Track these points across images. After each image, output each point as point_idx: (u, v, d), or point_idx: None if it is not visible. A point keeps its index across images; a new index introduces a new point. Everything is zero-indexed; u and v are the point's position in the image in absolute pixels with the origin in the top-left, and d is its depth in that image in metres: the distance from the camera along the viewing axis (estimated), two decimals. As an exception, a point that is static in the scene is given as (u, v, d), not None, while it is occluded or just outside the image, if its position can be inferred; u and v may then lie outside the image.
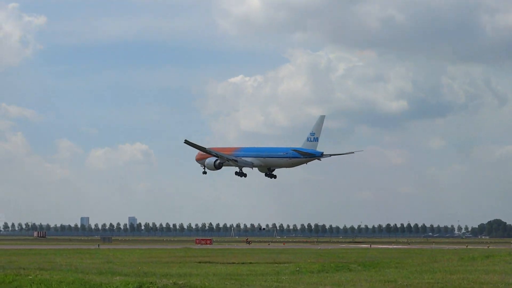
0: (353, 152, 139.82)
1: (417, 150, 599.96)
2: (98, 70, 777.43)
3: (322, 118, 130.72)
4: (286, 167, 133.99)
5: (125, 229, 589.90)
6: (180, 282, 41.70)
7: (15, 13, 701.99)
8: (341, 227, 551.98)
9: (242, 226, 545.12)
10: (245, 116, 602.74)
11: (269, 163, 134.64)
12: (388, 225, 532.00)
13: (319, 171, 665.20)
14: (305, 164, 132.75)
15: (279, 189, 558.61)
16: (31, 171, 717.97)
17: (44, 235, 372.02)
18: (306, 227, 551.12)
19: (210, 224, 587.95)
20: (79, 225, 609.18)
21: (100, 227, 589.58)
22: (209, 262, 76.51)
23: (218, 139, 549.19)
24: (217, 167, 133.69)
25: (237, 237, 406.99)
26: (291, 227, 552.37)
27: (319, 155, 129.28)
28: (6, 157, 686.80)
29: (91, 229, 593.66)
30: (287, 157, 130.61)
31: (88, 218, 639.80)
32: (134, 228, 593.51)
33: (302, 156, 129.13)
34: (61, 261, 70.92)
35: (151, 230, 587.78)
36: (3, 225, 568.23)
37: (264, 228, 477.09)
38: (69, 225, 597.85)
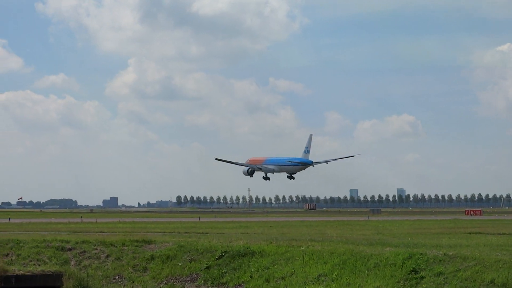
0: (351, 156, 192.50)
1: None
2: (362, 42, 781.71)
3: (311, 136, 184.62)
4: (293, 172, 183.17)
5: (394, 201, 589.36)
6: (450, 253, 40.82)
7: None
8: None
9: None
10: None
11: (283, 169, 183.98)
12: None
13: None
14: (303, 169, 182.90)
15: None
16: (301, 144, 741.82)
17: (314, 207, 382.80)
18: None
19: (479, 194, 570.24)
20: (348, 197, 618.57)
21: (369, 198, 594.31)
22: (479, 233, 74.30)
23: (485, 109, 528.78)
24: (250, 173, 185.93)
25: (506, 207, 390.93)
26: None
27: (310, 163, 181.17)
28: (276, 131, 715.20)
29: (360, 201, 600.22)
30: (292, 165, 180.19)
31: (357, 190, 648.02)
32: (402, 200, 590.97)
33: (300, 165, 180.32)
34: (331, 233, 72.29)
35: (420, 201, 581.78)
36: (275, 197, 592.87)
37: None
38: (339, 197, 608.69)
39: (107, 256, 54.84)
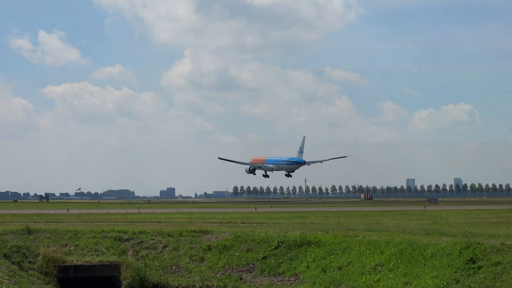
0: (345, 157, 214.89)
1: None
2: (418, 31, 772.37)
3: (304, 138, 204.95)
4: (291, 170, 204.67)
5: (451, 190, 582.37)
6: (508, 243, 40.25)
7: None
8: None
9: None
10: None
11: (280, 168, 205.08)
12: None
13: None
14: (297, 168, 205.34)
15: None
16: (357, 134, 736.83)
17: (370, 197, 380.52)
18: None
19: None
20: (405, 187, 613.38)
21: (425, 188, 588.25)
22: (540, 222, 73.04)
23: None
24: (251, 171, 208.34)
25: None
26: None
27: (303, 162, 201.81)
28: (332, 121, 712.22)
29: (417, 191, 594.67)
30: (287, 164, 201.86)
31: (414, 179, 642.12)
32: (459, 189, 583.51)
33: (294, 164, 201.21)
34: (388, 222, 71.88)
35: (477, 190, 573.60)
36: (331, 187, 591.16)
37: None
38: (395, 187, 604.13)
39: (164, 247, 55.45)
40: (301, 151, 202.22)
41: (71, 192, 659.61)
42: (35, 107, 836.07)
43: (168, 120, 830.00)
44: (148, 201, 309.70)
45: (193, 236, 56.86)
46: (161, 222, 73.06)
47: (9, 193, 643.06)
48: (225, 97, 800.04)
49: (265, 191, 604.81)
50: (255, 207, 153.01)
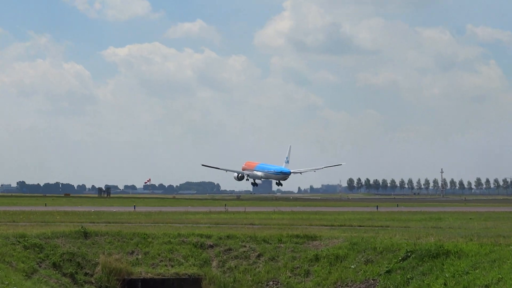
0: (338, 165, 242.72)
1: None
2: None
3: (290, 147, 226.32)
4: (278, 179, 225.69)
5: None
6: None
7: None
8: None
9: None
10: None
11: (269, 177, 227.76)
12: None
13: None
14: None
15: None
16: (509, 110, 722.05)
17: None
18: None
19: None
20: None
21: None
22: None
23: None
24: (239, 179, 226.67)
25: None
26: None
27: (288, 173, 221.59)
28: (477, 94, 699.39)
29: None
30: (274, 174, 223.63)
31: None
32: None
33: (281, 174, 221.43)
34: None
35: None
36: (475, 181, 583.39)
37: None
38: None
39: (259, 256, 56.04)
40: (287, 161, 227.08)
41: (139, 185, 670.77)
42: (93, 75, 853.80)
43: (263, 91, 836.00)
44: (237, 197, 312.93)
45: (295, 243, 57.26)
46: (254, 224, 73.72)
47: (60, 185, 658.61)
48: (336, 62, 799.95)
49: (388, 185, 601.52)
50: (376, 206, 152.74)
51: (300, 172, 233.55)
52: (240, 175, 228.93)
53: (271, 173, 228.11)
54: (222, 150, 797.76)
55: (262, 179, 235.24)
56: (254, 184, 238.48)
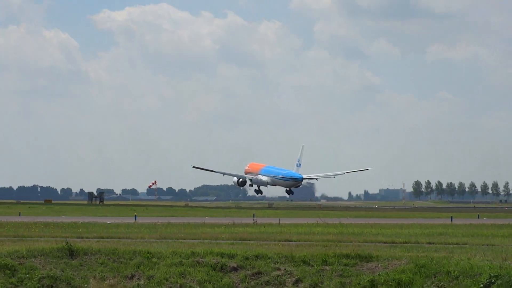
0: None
1: None
2: None
3: (303, 147, 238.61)
4: (287, 186, 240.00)
5: None
6: None
7: None
8: None
9: None
10: None
11: (276, 183, 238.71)
12: None
13: None
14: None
15: None
16: None
17: None
18: None
19: None
20: None
21: None
22: None
23: None
24: (240, 184, 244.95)
25: None
26: None
27: (300, 179, 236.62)
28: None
29: None
30: (284, 180, 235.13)
31: None
32: None
33: (291, 180, 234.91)
34: None
35: None
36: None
37: None
38: None
39: (297, 282, 56.14)
40: (299, 164, 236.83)
41: (141, 189, 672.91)
42: (82, 46, 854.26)
43: (304, 67, 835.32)
44: (269, 205, 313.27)
45: (345, 265, 57.34)
46: (291, 241, 73.83)
47: (38, 189, 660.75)
48: (400, 30, 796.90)
49: (467, 190, 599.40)
50: (451, 217, 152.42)
51: (316, 179, 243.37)
52: (241, 180, 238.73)
53: (279, 178, 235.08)
54: (249, 144, 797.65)
55: (268, 186, 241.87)
56: (257, 191, 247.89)
